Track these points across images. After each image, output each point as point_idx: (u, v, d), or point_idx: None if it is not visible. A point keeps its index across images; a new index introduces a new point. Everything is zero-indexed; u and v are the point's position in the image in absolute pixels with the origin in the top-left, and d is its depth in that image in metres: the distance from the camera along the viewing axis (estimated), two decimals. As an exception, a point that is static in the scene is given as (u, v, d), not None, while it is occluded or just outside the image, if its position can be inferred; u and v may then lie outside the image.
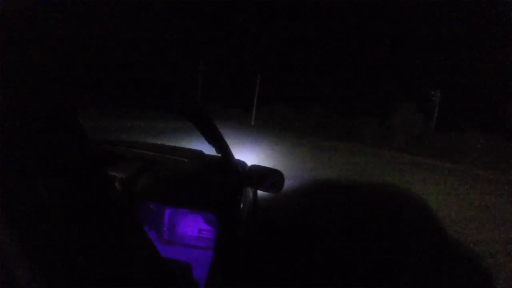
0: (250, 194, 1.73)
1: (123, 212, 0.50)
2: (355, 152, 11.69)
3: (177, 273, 0.92)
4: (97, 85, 0.58)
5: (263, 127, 15.24)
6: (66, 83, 0.49)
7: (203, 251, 1.57)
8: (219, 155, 1.34)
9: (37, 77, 0.43)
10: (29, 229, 0.36)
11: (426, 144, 13.30)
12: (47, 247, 0.37)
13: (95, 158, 0.47)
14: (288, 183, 1.70)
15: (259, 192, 1.90)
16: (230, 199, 1.37)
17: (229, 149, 1.42)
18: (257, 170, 1.57)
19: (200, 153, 1.69)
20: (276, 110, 17.13)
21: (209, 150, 1.47)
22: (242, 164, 1.78)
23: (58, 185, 0.40)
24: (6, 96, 0.38)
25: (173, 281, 0.67)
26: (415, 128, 14.05)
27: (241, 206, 1.45)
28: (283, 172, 1.57)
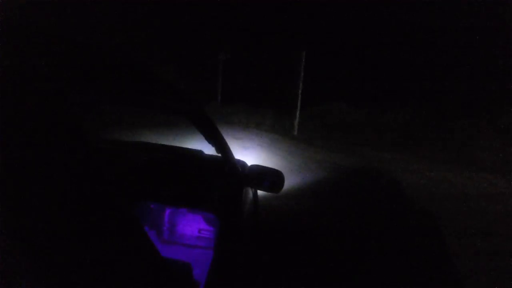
0: (250, 194, 1.73)
1: (123, 212, 0.50)
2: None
3: (177, 273, 0.92)
4: (96, 85, 0.57)
5: (312, 139, 8.28)
6: (66, 83, 0.49)
7: (203, 251, 1.57)
8: (219, 155, 1.34)
9: (37, 77, 0.43)
10: (28, 229, 0.36)
11: None
12: (46, 247, 0.37)
13: (94, 158, 0.47)
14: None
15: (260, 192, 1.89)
16: (230, 199, 1.37)
17: (229, 149, 1.42)
18: (257, 170, 1.57)
19: (200, 153, 1.69)
20: (329, 111, 10.10)
21: (209, 150, 1.47)
22: (242, 164, 1.78)
23: (58, 185, 0.40)
24: (6, 96, 0.38)
25: (173, 281, 0.67)
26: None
27: (241, 206, 1.45)
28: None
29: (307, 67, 9.17)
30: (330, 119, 9.94)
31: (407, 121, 9.45)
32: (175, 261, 1.01)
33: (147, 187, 1.25)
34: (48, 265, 0.36)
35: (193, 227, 1.64)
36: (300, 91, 9.19)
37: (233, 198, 1.40)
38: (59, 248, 0.38)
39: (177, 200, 1.27)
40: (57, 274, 0.37)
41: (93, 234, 0.43)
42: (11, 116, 0.37)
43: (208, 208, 1.25)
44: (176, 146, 1.90)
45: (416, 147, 7.74)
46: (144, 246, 0.52)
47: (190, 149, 1.81)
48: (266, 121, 9.95)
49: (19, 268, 0.34)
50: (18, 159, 0.37)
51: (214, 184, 1.36)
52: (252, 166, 1.61)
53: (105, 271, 0.43)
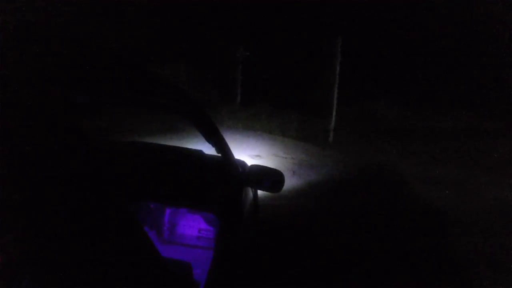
0: (250, 193, 1.73)
1: (123, 212, 0.50)
2: None
3: (177, 273, 0.92)
4: (96, 85, 0.57)
5: (354, 148, 6.33)
6: (66, 83, 0.49)
7: (203, 251, 1.57)
8: (219, 155, 1.34)
9: (37, 77, 0.43)
10: (29, 229, 0.36)
11: None
12: (47, 248, 0.37)
13: (95, 158, 0.47)
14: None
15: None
16: (230, 199, 1.37)
17: (229, 149, 1.42)
18: (257, 169, 1.57)
19: (200, 153, 1.69)
20: (371, 112, 8.05)
21: (209, 150, 1.47)
22: (242, 164, 1.78)
23: (58, 186, 0.40)
24: (6, 96, 0.38)
25: (173, 281, 0.67)
26: None
27: (241, 206, 1.45)
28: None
29: (341, 58, 6.93)
30: (374, 123, 7.53)
31: (475, 128, 6.89)
32: (175, 261, 1.01)
33: (147, 187, 1.25)
34: (48, 265, 0.36)
35: (193, 227, 1.64)
36: (336, 86, 6.95)
37: (233, 198, 1.40)
38: (59, 248, 0.38)
39: (177, 200, 1.27)
40: (57, 274, 0.37)
41: (94, 234, 0.43)
42: (11, 116, 0.37)
43: (208, 208, 1.25)
44: (176, 146, 1.90)
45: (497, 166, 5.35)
46: (144, 246, 0.52)
47: (190, 149, 1.82)
48: (293, 125, 7.87)
49: (19, 268, 0.34)
50: (18, 159, 0.37)
51: (214, 184, 1.36)
52: (252, 166, 1.61)
53: (105, 271, 0.43)
